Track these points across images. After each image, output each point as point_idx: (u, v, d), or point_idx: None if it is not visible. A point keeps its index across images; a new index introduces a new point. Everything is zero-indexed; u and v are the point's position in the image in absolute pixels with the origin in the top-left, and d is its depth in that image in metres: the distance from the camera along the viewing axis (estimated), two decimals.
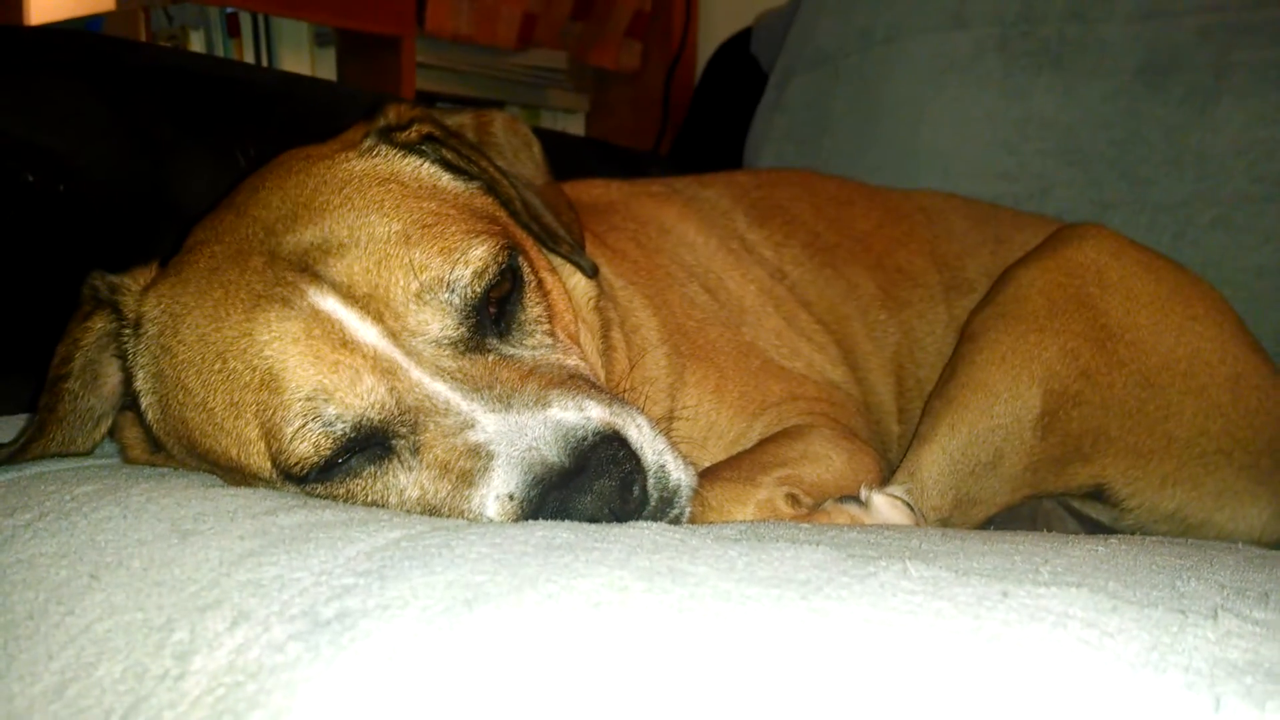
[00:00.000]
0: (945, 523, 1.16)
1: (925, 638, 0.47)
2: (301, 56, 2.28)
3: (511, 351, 0.82)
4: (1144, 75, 1.69)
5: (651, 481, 0.77)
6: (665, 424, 1.07)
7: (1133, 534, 1.26)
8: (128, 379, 0.89)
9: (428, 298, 0.79)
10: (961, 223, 1.46)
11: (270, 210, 0.85)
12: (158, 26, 2.16)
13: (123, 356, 0.89)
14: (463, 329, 0.80)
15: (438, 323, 0.79)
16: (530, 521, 0.70)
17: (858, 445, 1.13)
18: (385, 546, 0.62)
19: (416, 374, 0.78)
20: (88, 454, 0.94)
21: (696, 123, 2.60)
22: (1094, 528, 1.27)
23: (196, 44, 2.16)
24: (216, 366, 0.80)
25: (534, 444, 0.75)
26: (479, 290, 0.81)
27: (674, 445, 0.84)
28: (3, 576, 0.66)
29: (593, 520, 0.72)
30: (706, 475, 0.98)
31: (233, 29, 2.24)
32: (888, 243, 1.38)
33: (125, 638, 0.58)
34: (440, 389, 0.78)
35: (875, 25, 2.02)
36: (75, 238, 1.12)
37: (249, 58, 2.22)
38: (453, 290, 0.80)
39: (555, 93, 2.87)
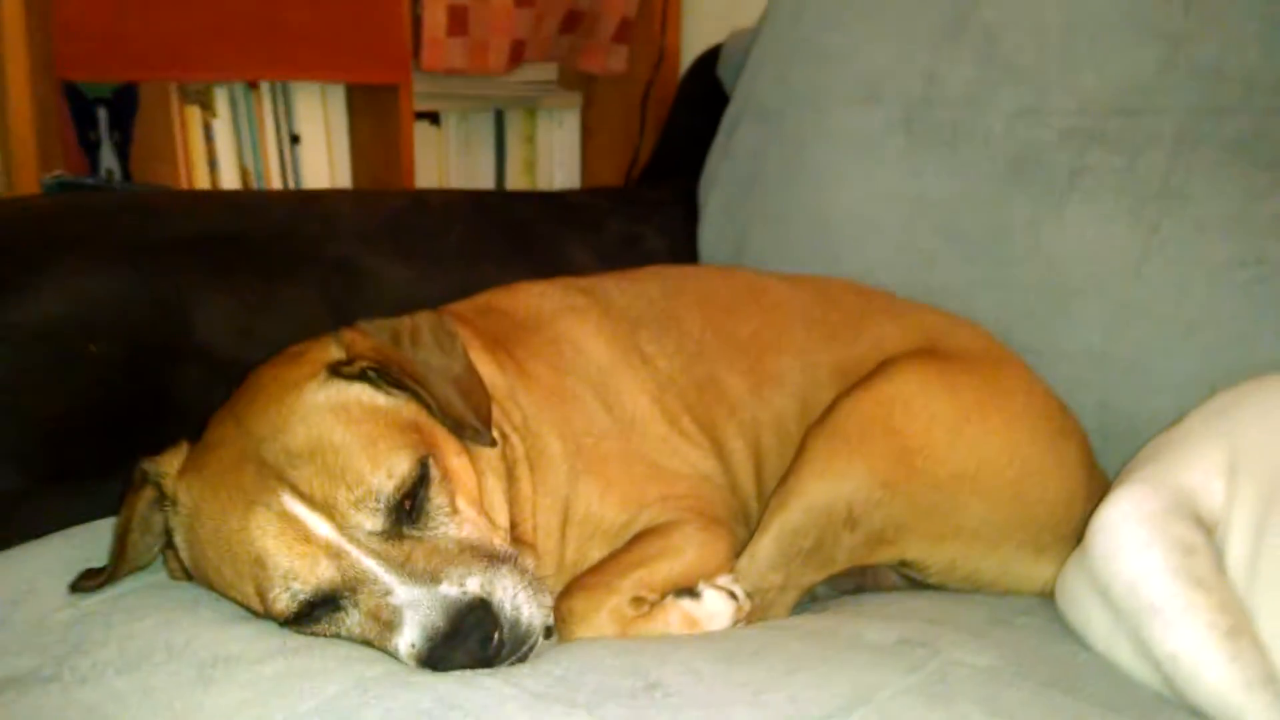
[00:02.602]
0: (783, 590, 1.53)
1: None
2: (314, 101, 2.61)
3: (420, 534, 1.21)
4: (1014, 166, 1.97)
5: (506, 632, 1.16)
6: (560, 529, 1.46)
7: (939, 588, 1.64)
8: (168, 532, 1.29)
9: (362, 505, 1.18)
10: (833, 317, 1.79)
11: (257, 428, 1.23)
12: (189, 88, 2.49)
13: (164, 515, 1.29)
14: (386, 524, 1.19)
15: (370, 522, 1.18)
16: (418, 678, 1.10)
17: (715, 534, 1.51)
18: (323, 705, 1.02)
19: (356, 555, 1.18)
20: (149, 564, 1.36)
21: (670, 139, 2.88)
22: (912, 582, 1.64)
23: (221, 98, 2.50)
24: (225, 548, 1.20)
25: (428, 611, 1.14)
26: (398, 499, 1.19)
27: (537, 587, 1.23)
28: (89, 712, 1.08)
29: (465, 667, 1.12)
30: (577, 582, 1.38)
31: (252, 82, 2.57)
32: (763, 347, 1.72)
33: None
34: (372, 566, 1.17)
35: (807, 90, 2.29)
36: (113, 385, 1.51)
37: (267, 106, 2.56)
38: (379, 500, 1.18)
39: (548, 96, 3.16)
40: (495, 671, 1.12)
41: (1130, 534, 1.32)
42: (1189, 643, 1.24)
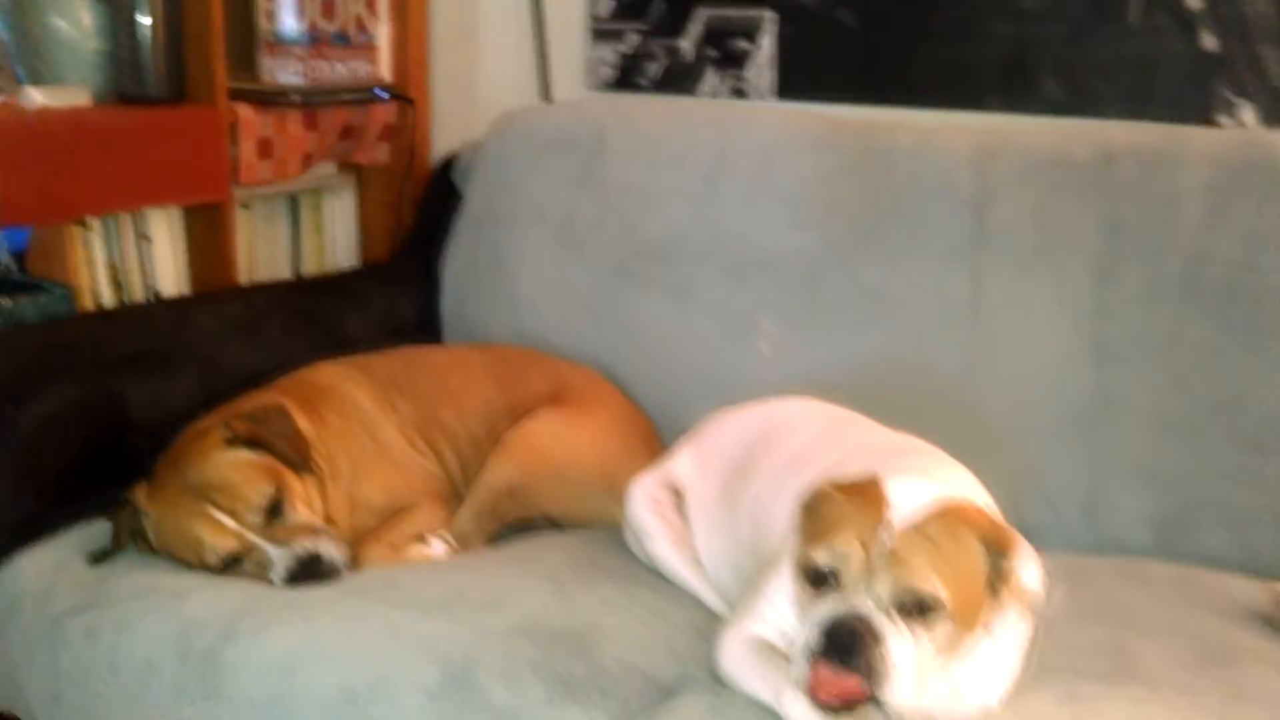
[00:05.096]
0: (476, 534, 2.83)
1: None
2: (160, 212, 3.68)
3: (279, 522, 2.43)
4: (620, 271, 3.26)
5: (326, 566, 2.42)
6: (350, 511, 2.71)
7: (565, 524, 2.98)
8: (134, 530, 2.48)
9: (249, 510, 2.39)
10: (505, 373, 3.09)
11: (190, 475, 2.42)
12: None
13: (136, 519, 2.47)
14: (262, 519, 2.41)
15: (254, 519, 2.40)
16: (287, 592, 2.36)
17: (436, 508, 2.79)
18: (245, 598, 2.26)
19: (248, 535, 2.40)
20: (125, 547, 2.53)
21: (421, 223, 4.03)
22: (550, 522, 2.98)
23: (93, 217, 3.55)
24: (179, 537, 2.40)
25: (289, 560, 2.39)
26: (267, 505, 2.41)
27: (342, 542, 2.49)
28: (126, 610, 2.28)
29: (307, 584, 2.38)
30: (363, 540, 2.63)
31: None
32: (464, 394, 2.99)
33: None
34: (256, 539, 2.40)
35: (501, 210, 3.52)
36: (88, 449, 2.66)
37: (126, 219, 3.62)
38: (259, 508, 2.41)
39: (330, 181, 4.30)
40: (321, 586, 2.39)
41: (637, 496, 2.70)
42: (659, 549, 2.62)
